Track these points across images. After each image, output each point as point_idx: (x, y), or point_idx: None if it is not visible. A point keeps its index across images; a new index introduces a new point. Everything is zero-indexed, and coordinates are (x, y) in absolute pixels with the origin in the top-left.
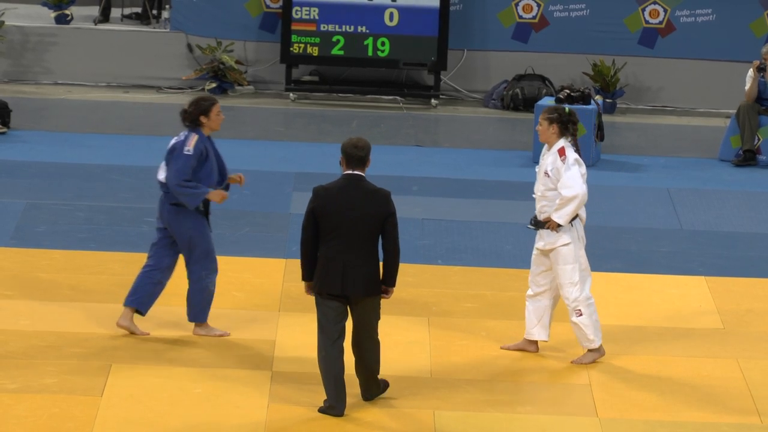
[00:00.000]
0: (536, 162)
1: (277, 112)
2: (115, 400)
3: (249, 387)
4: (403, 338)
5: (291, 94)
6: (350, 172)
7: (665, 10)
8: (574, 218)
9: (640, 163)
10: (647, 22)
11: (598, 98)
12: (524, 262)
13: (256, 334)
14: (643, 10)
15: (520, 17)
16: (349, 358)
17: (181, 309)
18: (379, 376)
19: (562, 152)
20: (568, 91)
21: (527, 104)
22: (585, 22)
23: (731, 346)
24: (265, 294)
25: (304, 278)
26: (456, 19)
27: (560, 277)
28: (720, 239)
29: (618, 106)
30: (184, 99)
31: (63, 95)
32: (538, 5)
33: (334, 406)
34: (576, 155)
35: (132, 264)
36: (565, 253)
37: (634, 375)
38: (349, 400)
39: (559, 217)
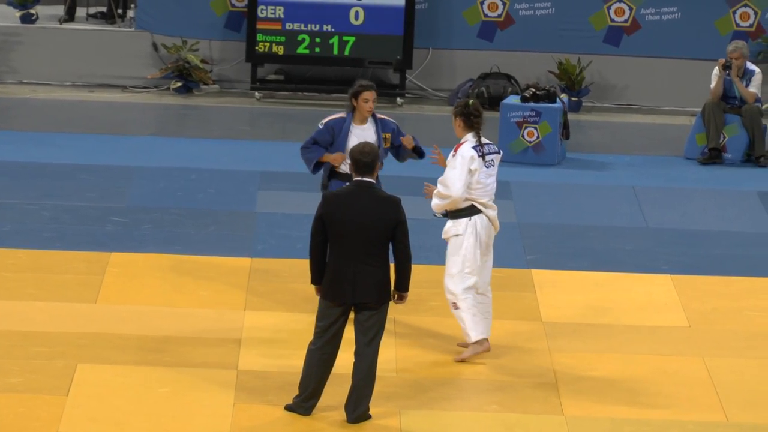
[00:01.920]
0: (502, 160)
1: (242, 111)
2: (81, 399)
3: (215, 386)
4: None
5: (256, 93)
6: (360, 178)
7: (630, 9)
8: (476, 213)
9: (606, 161)
10: (612, 20)
11: (564, 97)
12: None
13: (221, 333)
14: (609, 8)
15: (486, 16)
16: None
17: (147, 308)
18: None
19: (457, 148)
20: (533, 89)
21: (493, 103)
22: (550, 20)
23: (697, 344)
24: (230, 293)
25: (313, 282)
26: (421, 18)
27: (446, 265)
28: (686, 237)
29: (583, 104)
30: (149, 98)
31: (28, 95)
32: (504, 4)
33: (304, 405)
34: (471, 152)
35: (97, 263)
36: (453, 243)
37: (599, 373)
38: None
39: (434, 202)
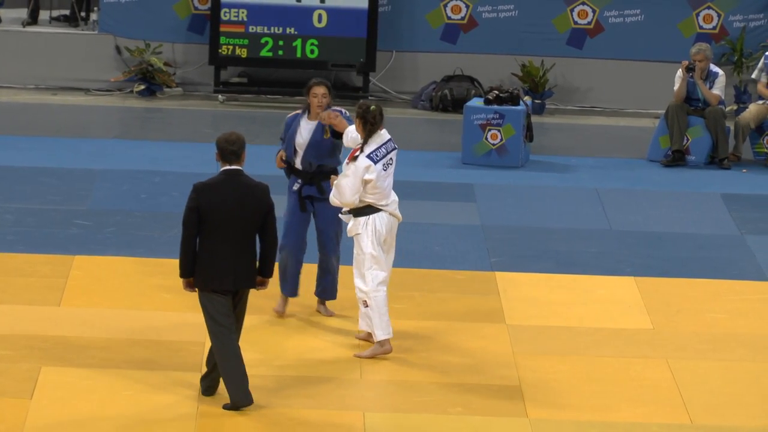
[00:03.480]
0: (466, 163)
1: (205, 113)
2: (45, 402)
3: (179, 388)
4: (333, 340)
5: (219, 96)
6: (228, 167)
7: (594, 11)
8: (375, 211)
9: (569, 163)
10: (576, 22)
11: (527, 99)
12: (454, 263)
13: (185, 336)
14: (572, 10)
15: (449, 18)
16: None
17: (111, 311)
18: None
19: (353, 154)
20: (496, 92)
21: (456, 105)
22: (513, 22)
23: (661, 347)
24: (194, 296)
25: (183, 275)
26: (384, 21)
27: (353, 265)
28: (649, 239)
29: (547, 106)
30: (112, 101)
31: None
32: (467, 6)
33: (245, 400)
34: (366, 162)
35: (61, 266)
36: (357, 242)
37: (563, 375)
38: (279, 401)
39: (330, 198)
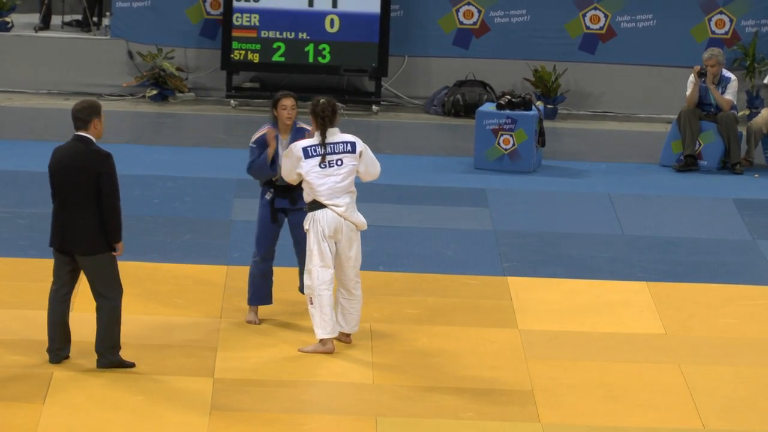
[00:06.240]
0: (478, 168)
1: (218, 118)
2: (58, 407)
3: (191, 394)
4: (344, 345)
5: (232, 101)
6: (77, 133)
7: (606, 16)
8: (318, 208)
9: (582, 168)
10: (588, 27)
11: (539, 104)
12: (466, 268)
13: (197, 341)
14: (584, 15)
15: (461, 23)
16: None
17: (123, 316)
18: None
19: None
20: (509, 96)
21: (468, 110)
22: (526, 27)
23: (673, 352)
24: (206, 301)
25: None
26: (397, 26)
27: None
28: (661, 244)
29: (559, 111)
30: (124, 106)
31: (3, 102)
32: (479, 11)
33: (60, 347)
34: (299, 154)
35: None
36: (306, 239)
37: (576, 381)
38: (292, 406)
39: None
